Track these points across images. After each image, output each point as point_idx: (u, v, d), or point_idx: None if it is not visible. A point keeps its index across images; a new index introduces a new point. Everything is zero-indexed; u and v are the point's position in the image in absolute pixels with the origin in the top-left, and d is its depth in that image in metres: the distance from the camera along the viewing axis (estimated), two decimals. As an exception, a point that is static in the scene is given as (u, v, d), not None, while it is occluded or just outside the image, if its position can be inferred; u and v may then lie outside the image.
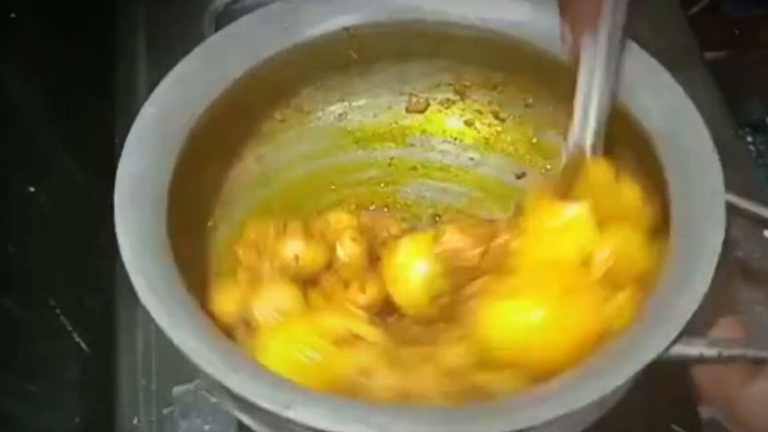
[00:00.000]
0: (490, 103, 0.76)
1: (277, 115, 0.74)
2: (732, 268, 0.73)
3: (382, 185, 0.76)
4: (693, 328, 0.51)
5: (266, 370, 0.53)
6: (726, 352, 0.53)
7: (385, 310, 0.64)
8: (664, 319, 0.52)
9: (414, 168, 0.76)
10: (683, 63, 0.84)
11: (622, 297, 0.56)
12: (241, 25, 0.67)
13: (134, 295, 0.52)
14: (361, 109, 0.75)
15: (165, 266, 0.56)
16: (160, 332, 0.51)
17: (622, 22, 0.62)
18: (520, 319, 0.55)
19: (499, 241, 0.60)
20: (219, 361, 0.50)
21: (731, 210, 0.56)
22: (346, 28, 0.69)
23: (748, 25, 1.06)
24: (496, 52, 0.70)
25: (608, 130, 0.68)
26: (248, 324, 0.60)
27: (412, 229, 0.70)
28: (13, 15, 0.75)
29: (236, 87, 0.66)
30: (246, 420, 0.54)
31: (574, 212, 0.59)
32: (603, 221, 0.59)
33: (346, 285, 0.65)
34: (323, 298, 0.65)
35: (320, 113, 0.75)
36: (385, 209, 0.75)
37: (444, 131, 0.76)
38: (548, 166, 0.75)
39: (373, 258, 0.66)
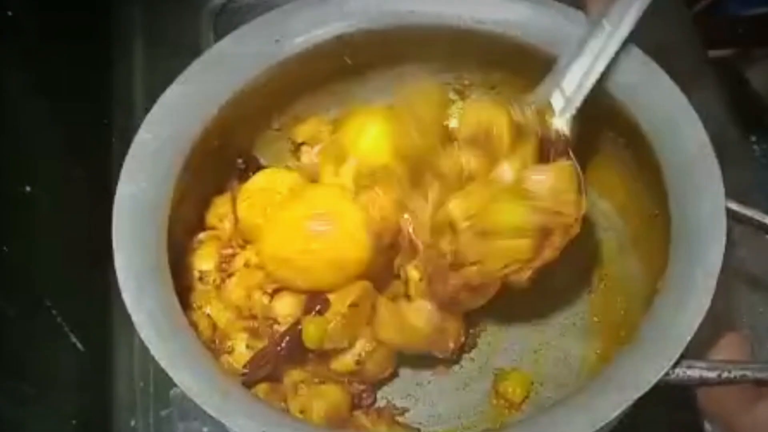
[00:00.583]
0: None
1: (274, 125, 0.74)
2: (733, 272, 0.73)
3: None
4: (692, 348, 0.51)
5: (263, 406, 0.55)
6: (726, 374, 0.53)
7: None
8: (662, 341, 0.52)
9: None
10: (687, 61, 0.84)
11: None
12: (233, 41, 0.67)
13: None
14: (360, 114, 0.75)
15: (164, 297, 0.57)
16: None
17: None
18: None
19: None
20: (219, 401, 0.52)
21: (732, 216, 0.56)
22: (338, 36, 0.69)
23: (752, 24, 1.06)
24: (492, 52, 0.70)
25: (605, 130, 0.68)
26: None
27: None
28: (9, 13, 0.75)
29: (231, 104, 0.66)
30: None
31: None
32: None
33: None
34: None
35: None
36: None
37: (444, 131, 0.76)
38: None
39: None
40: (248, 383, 0.62)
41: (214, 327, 0.65)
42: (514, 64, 0.70)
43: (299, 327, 0.61)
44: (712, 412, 0.56)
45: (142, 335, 0.54)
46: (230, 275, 0.66)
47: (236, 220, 0.69)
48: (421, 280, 0.64)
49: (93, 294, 0.74)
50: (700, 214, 0.56)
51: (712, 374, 0.53)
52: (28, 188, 0.71)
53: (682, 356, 0.51)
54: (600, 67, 0.62)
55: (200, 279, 0.67)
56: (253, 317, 0.65)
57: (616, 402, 0.50)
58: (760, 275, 0.73)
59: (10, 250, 0.67)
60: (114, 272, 0.57)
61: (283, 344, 0.62)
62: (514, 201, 0.58)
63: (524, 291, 0.70)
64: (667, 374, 0.51)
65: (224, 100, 0.66)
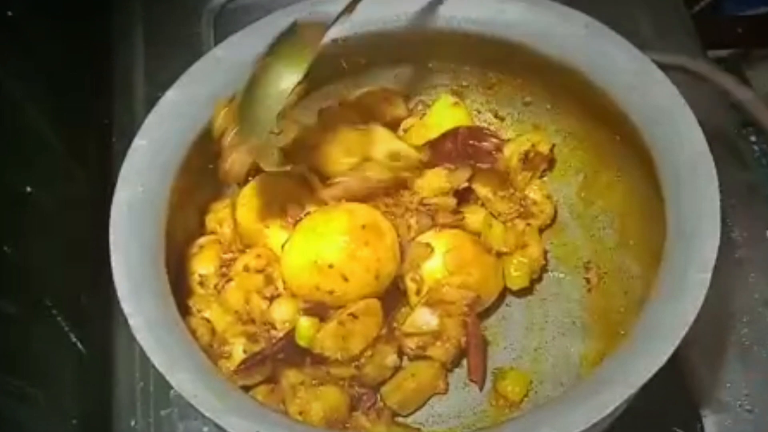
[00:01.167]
0: (488, 102, 0.76)
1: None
2: (733, 272, 0.73)
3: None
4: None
5: (259, 407, 0.55)
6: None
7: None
8: (656, 337, 0.52)
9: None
10: (686, 61, 0.83)
11: None
12: (227, 47, 0.68)
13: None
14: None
15: (161, 300, 0.58)
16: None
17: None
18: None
19: None
20: (215, 402, 0.52)
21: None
22: (334, 40, 0.69)
23: (751, 24, 1.06)
24: (489, 53, 0.70)
25: (603, 129, 0.68)
26: None
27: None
28: (9, 13, 0.75)
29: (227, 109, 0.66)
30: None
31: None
32: None
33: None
34: None
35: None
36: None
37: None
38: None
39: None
40: (247, 386, 0.62)
41: (213, 332, 0.65)
42: (510, 65, 0.71)
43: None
44: None
45: (138, 338, 0.54)
46: (230, 280, 0.66)
47: (235, 224, 0.69)
48: (418, 292, 0.65)
49: (93, 294, 0.74)
50: (695, 212, 0.56)
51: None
52: (28, 188, 0.71)
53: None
54: None
55: (200, 283, 0.67)
56: (252, 321, 0.65)
57: (610, 399, 0.50)
58: (760, 275, 0.73)
59: (10, 250, 0.67)
60: (114, 274, 0.57)
61: (279, 345, 0.62)
62: None
63: (524, 290, 0.70)
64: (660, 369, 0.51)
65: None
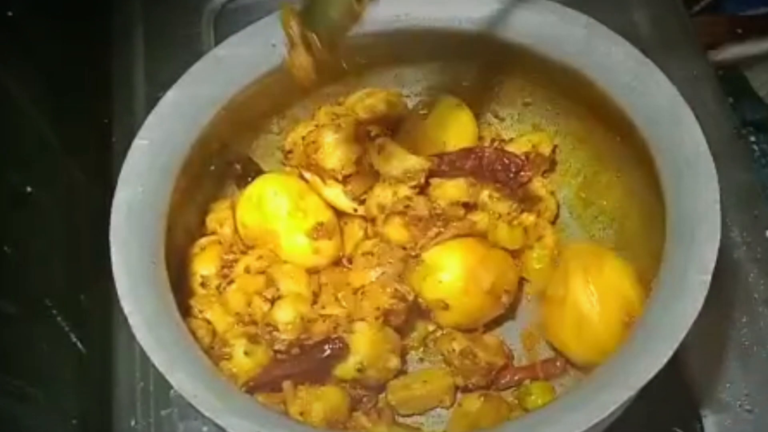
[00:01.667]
0: (488, 102, 0.76)
1: (274, 129, 0.74)
2: (733, 272, 0.73)
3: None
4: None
5: (258, 407, 0.55)
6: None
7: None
8: (655, 339, 0.52)
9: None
10: (686, 61, 0.84)
11: None
12: (228, 47, 0.68)
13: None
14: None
15: (161, 301, 0.58)
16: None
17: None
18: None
19: None
20: (215, 401, 0.52)
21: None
22: None
23: (751, 24, 1.06)
24: (489, 53, 0.70)
25: (603, 130, 0.68)
26: None
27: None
28: (9, 13, 0.75)
29: (227, 109, 0.66)
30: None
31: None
32: None
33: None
34: None
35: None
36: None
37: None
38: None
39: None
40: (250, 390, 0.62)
41: (213, 334, 0.65)
42: (510, 65, 0.71)
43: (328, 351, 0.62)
44: None
45: (139, 337, 0.54)
46: (231, 281, 0.66)
47: (235, 225, 0.69)
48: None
49: (93, 294, 0.74)
50: (695, 213, 0.56)
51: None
52: (28, 188, 0.71)
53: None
54: None
55: (202, 284, 0.67)
56: (253, 323, 0.65)
57: (610, 400, 0.50)
58: (760, 275, 0.73)
59: (10, 250, 0.67)
60: (114, 274, 0.57)
61: (297, 362, 0.63)
62: None
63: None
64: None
65: (221, 106, 0.66)
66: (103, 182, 0.72)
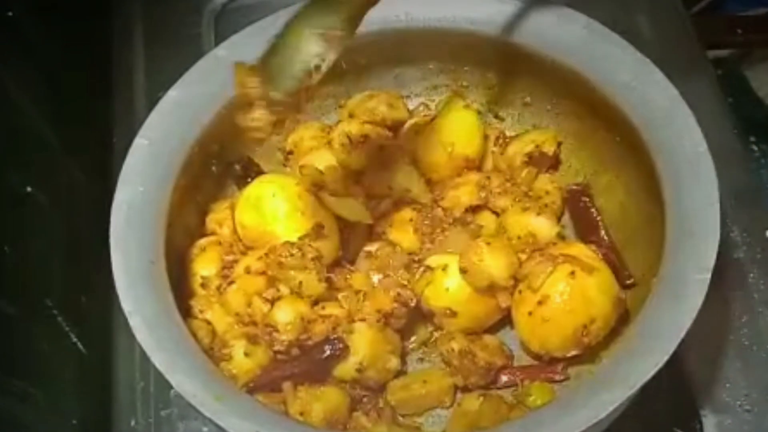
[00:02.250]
0: (488, 102, 0.76)
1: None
2: (732, 272, 0.73)
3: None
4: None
5: (258, 407, 0.55)
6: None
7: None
8: (654, 339, 0.52)
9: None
10: (686, 62, 0.84)
11: None
12: (228, 47, 0.68)
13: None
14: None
15: (161, 300, 0.58)
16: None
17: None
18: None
19: None
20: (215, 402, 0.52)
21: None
22: None
23: (751, 24, 1.06)
24: (489, 53, 0.70)
25: (603, 130, 0.68)
26: None
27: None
28: (9, 13, 0.75)
29: (228, 110, 0.66)
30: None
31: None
32: None
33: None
34: None
35: (316, 123, 0.75)
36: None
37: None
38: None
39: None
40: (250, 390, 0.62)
41: (214, 334, 0.65)
42: (510, 65, 0.71)
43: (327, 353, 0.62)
44: None
45: (139, 338, 0.54)
46: (231, 282, 0.66)
47: (235, 225, 0.69)
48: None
49: (93, 294, 0.74)
50: (694, 212, 0.56)
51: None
52: (28, 188, 0.71)
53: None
54: None
55: (202, 285, 0.67)
56: (253, 323, 0.65)
57: (610, 399, 0.50)
58: (760, 275, 0.73)
59: (10, 250, 0.67)
60: (114, 274, 0.57)
61: (297, 364, 0.63)
62: None
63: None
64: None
65: (221, 106, 0.66)
66: (103, 182, 0.72)
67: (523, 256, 0.66)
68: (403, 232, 0.69)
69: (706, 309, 0.52)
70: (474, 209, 0.70)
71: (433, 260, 0.67)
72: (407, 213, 0.69)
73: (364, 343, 0.63)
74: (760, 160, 0.99)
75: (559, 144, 0.73)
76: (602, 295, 0.62)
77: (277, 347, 0.63)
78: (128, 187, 0.61)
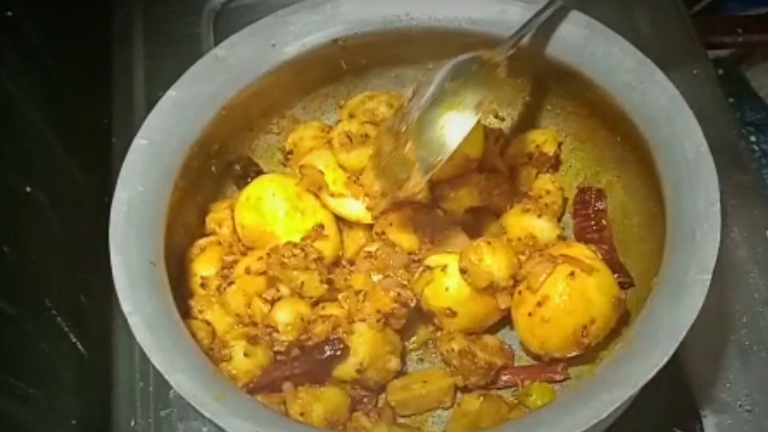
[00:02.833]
0: (488, 102, 0.76)
1: (274, 129, 0.74)
2: (732, 272, 0.73)
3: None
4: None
5: (258, 407, 0.55)
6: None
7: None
8: (655, 339, 0.52)
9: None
10: (686, 62, 0.84)
11: None
12: (228, 47, 0.68)
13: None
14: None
15: (161, 300, 0.58)
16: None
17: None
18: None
19: None
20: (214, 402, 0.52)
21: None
22: (334, 40, 0.69)
23: (751, 24, 1.06)
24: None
25: (604, 130, 0.68)
26: None
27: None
28: (9, 13, 0.75)
29: (227, 109, 0.66)
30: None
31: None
32: None
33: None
34: None
35: (316, 123, 0.75)
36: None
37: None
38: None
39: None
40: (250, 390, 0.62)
41: (213, 335, 0.65)
42: (511, 65, 0.70)
43: (327, 353, 0.62)
44: None
45: (139, 338, 0.54)
46: (231, 282, 0.66)
47: (234, 225, 0.69)
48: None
49: (93, 294, 0.74)
50: (695, 212, 0.56)
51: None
52: (28, 188, 0.71)
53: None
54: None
55: (202, 285, 0.67)
56: (253, 324, 0.65)
57: (610, 399, 0.50)
58: (760, 275, 0.73)
59: (10, 250, 0.67)
60: (113, 274, 0.57)
61: (297, 364, 0.63)
62: None
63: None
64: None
65: (220, 106, 0.66)
66: (103, 182, 0.72)
67: (523, 257, 0.66)
68: (403, 232, 0.68)
69: (706, 309, 0.52)
70: (474, 210, 0.70)
71: (432, 260, 0.67)
72: (407, 213, 0.68)
73: (364, 344, 0.63)
74: (760, 160, 0.99)
75: (560, 144, 0.73)
76: (602, 296, 0.62)
77: (277, 348, 0.63)
78: (128, 187, 0.61)
